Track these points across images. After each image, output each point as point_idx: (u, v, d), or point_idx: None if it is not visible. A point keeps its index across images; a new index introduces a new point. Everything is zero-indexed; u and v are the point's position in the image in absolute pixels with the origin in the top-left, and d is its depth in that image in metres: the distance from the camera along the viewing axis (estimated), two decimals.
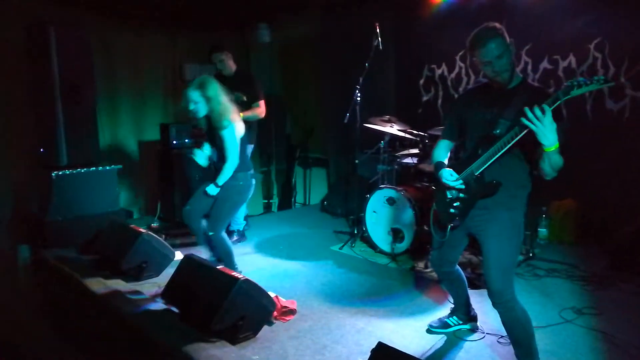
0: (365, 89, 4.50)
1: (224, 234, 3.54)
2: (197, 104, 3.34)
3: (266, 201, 6.78)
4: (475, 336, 2.88)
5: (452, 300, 2.99)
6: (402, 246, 4.11)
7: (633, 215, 3.96)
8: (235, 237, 4.72)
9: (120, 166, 4.81)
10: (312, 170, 6.70)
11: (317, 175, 6.71)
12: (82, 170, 4.54)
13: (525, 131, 2.14)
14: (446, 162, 2.59)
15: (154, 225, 5.11)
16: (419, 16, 5.48)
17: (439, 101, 5.54)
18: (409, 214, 4.04)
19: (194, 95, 3.32)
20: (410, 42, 5.66)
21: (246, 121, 4.50)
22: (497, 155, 2.28)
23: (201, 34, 6.10)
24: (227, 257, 3.53)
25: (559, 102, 2.06)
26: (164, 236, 4.37)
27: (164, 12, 5.61)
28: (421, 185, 4.35)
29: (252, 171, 3.57)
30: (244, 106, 4.47)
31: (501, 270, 2.34)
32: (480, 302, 3.17)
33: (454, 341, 2.84)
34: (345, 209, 5.54)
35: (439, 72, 5.47)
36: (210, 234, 3.48)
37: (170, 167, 5.31)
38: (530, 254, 4.06)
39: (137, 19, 5.54)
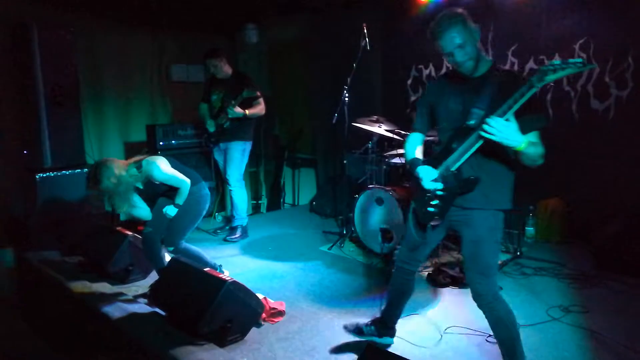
0: (353, 89, 4.50)
1: (184, 243, 3.42)
2: (109, 191, 3.14)
3: (255, 202, 6.74)
4: (464, 335, 2.89)
5: (380, 309, 2.82)
6: (391, 246, 4.11)
7: (618, 213, 4.00)
8: (238, 234, 4.81)
9: None
10: (300, 170, 6.69)
11: (305, 175, 6.69)
12: (67, 172, 4.48)
13: (482, 141, 2.09)
14: (420, 156, 2.44)
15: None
16: (406, 17, 5.49)
17: None
18: (397, 214, 4.04)
19: (103, 188, 3.10)
20: (397, 42, 5.67)
21: (245, 119, 4.60)
22: (471, 151, 2.16)
23: (188, 35, 6.05)
24: (201, 261, 3.41)
25: (531, 91, 1.94)
26: None
27: (150, 13, 5.56)
28: (410, 185, 4.36)
29: (203, 182, 3.47)
30: (245, 104, 4.56)
31: (481, 273, 2.26)
32: (467, 301, 3.19)
33: (442, 340, 2.84)
34: (334, 209, 5.53)
35: (426, 72, 5.48)
36: (171, 249, 3.37)
37: None
38: (518, 253, 4.08)
39: (123, 20, 5.49)
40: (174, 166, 3.30)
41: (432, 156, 2.37)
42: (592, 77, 4.32)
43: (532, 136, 2.11)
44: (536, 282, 3.64)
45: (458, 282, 3.56)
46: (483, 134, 2.02)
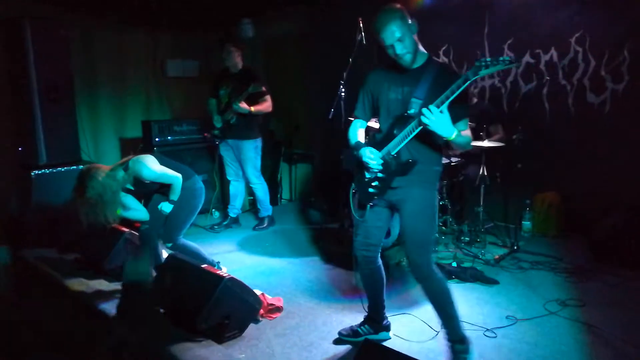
0: (350, 84, 4.47)
1: (182, 239, 3.40)
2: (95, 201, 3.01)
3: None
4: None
5: (366, 307, 2.83)
6: (389, 241, 4.11)
7: (615, 207, 4.01)
8: (266, 223, 5.06)
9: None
10: (297, 166, 6.68)
11: (302, 171, 6.68)
12: (62, 169, 4.47)
13: (420, 127, 2.24)
14: (362, 140, 2.60)
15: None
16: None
17: None
18: None
19: (89, 197, 3.00)
20: None
21: (251, 115, 4.65)
22: (410, 136, 2.33)
23: (184, 31, 6.02)
24: (198, 258, 3.39)
25: (467, 83, 2.12)
26: None
27: (145, 8, 5.52)
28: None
29: (196, 176, 3.43)
30: (252, 100, 4.59)
31: (418, 245, 2.42)
32: (465, 296, 3.20)
33: (439, 335, 2.84)
34: (331, 204, 5.53)
35: None
36: (169, 245, 3.34)
37: None
38: (515, 247, 4.09)
39: (119, 16, 5.45)
40: (162, 163, 3.24)
41: (375, 142, 2.52)
42: (588, 71, 4.31)
43: (461, 125, 2.33)
44: (533, 276, 3.64)
45: (454, 277, 3.57)
46: (422, 119, 2.19)
